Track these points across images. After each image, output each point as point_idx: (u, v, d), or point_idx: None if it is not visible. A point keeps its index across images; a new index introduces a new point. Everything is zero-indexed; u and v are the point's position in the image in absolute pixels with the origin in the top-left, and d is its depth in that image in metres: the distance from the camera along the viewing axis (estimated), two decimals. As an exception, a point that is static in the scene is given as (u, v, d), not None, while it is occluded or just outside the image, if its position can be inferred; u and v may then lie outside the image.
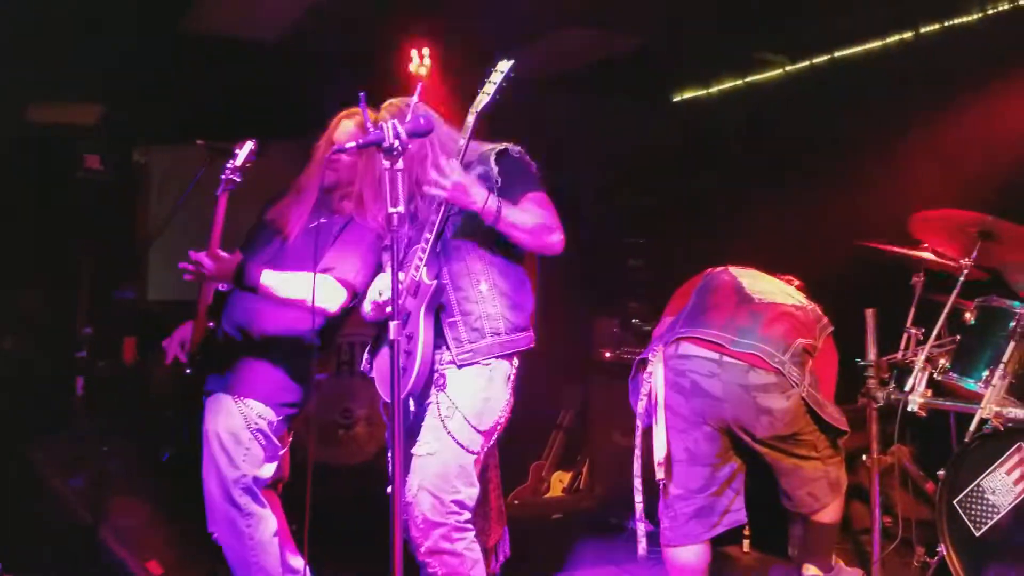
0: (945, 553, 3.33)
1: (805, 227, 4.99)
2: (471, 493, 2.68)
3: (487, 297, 2.72)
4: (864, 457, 3.70)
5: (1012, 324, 3.40)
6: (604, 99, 5.97)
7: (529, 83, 5.63)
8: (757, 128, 5.72)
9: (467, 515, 2.66)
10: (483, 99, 2.71)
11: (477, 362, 2.70)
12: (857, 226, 4.66)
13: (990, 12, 4.82)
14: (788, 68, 5.80)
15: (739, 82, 6.11)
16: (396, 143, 2.29)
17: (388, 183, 2.29)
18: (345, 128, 3.04)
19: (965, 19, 4.93)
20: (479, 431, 2.68)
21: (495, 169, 2.75)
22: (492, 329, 2.72)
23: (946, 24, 4.98)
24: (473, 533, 2.69)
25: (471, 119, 2.72)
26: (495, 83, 2.70)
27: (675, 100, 6.42)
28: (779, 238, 4.95)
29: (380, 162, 2.32)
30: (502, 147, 2.82)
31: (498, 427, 2.75)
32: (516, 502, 5.03)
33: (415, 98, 2.70)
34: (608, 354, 4.98)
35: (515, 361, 2.80)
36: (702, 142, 6.04)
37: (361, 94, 2.60)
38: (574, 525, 4.51)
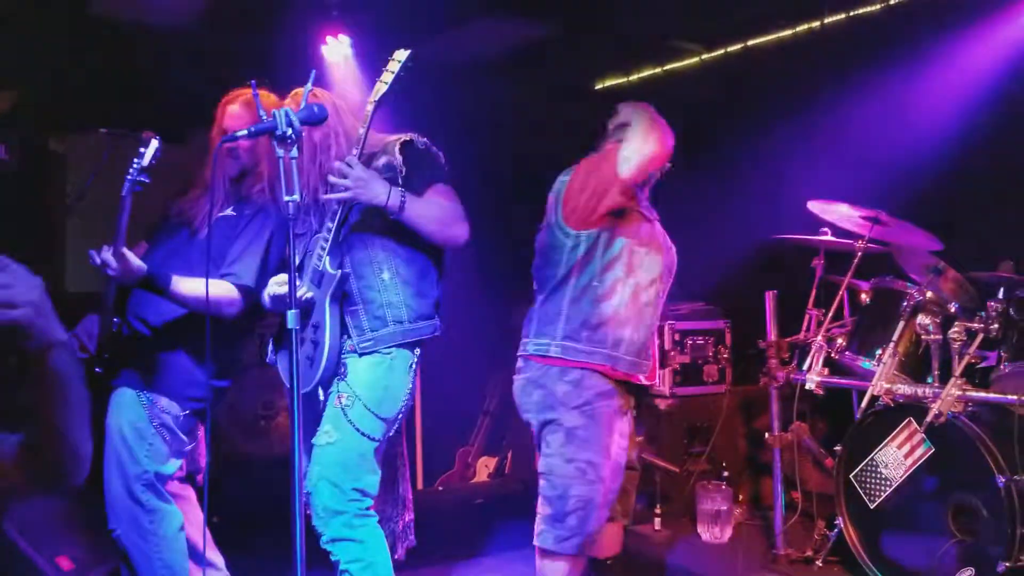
0: (843, 525, 3.48)
1: (716, 213, 5.11)
2: (372, 480, 2.70)
3: (390, 286, 2.74)
4: (767, 435, 3.82)
5: (904, 304, 3.54)
6: (526, 87, 6.00)
7: (450, 70, 5.68)
8: (673, 116, 5.81)
9: (368, 502, 2.69)
10: (381, 88, 2.72)
11: (378, 350, 2.72)
12: (765, 212, 4.80)
13: (892, 3, 4.97)
14: (704, 56, 5.90)
15: (658, 70, 6.21)
16: (289, 131, 2.30)
17: (283, 171, 2.29)
18: (232, 112, 3.00)
19: (869, 9, 5.08)
20: (380, 418, 2.70)
21: (399, 159, 2.77)
22: (394, 317, 2.74)
23: (851, 14, 5.12)
24: (376, 519, 2.71)
25: (370, 108, 2.72)
26: (393, 72, 2.72)
27: (596, 88, 6.49)
28: (691, 224, 5.05)
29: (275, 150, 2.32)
30: (407, 137, 2.82)
31: (401, 414, 2.78)
32: (441, 488, 5.07)
33: (309, 85, 2.70)
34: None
35: (417, 350, 2.82)
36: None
37: (252, 82, 2.59)
38: (499, 510, 4.57)
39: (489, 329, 5.10)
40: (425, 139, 2.86)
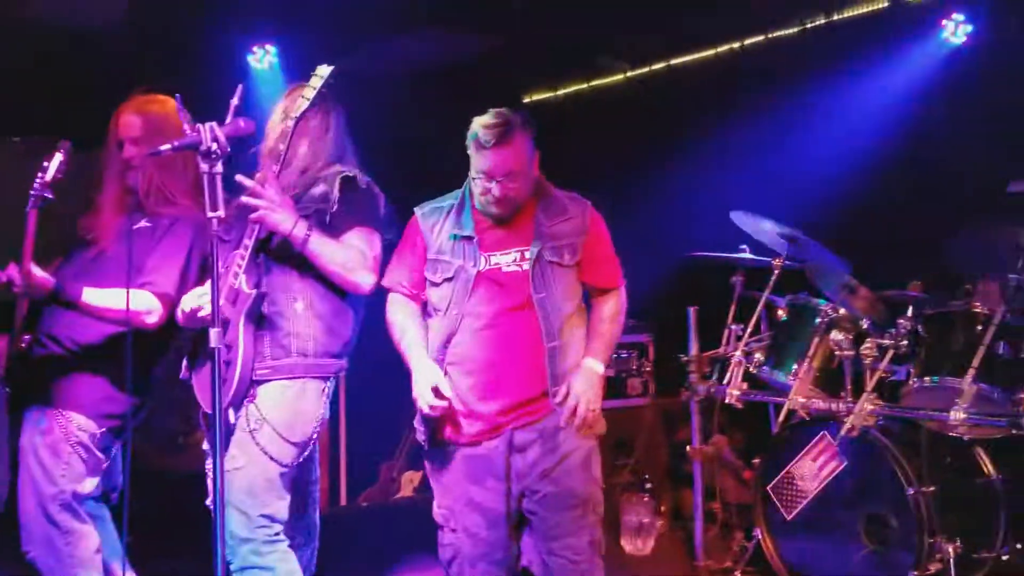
0: (760, 536, 3.57)
1: (640, 228, 5.19)
2: (281, 506, 2.64)
3: (301, 316, 2.67)
4: (688, 448, 3.90)
5: (818, 320, 3.66)
6: (452, 100, 6.01)
7: (378, 82, 5.65)
8: (599, 131, 5.90)
9: (277, 528, 2.63)
10: (302, 104, 2.68)
11: (275, 379, 2.65)
12: (687, 228, 4.90)
13: (808, 26, 5.15)
14: (629, 73, 6.01)
15: (584, 85, 6.29)
16: (214, 146, 2.26)
17: (207, 187, 2.25)
18: (128, 123, 2.94)
19: (787, 32, 5.25)
20: (290, 443, 2.64)
21: (336, 195, 2.71)
22: (299, 349, 2.67)
23: (770, 36, 5.29)
24: (286, 544, 2.66)
25: (290, 124, 2.68)
26: (315, 88, 2.68)
27: (525, 101, 6.54)
28: (615, 238, 5.12)
29: (199, 165, 2.27)
30: (350, 173, 2.75)
31: (312, 440, 2.73)
32: (365, 504, 5.01)
33: (236, 99, 2.65)
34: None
35: (330, 380, 2.75)
36: (549, 144, 6.17)
37: (177, 96, 2.54)
38: (424, 525, 4.53)
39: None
40: (368, 179, 2.82)
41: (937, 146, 4.50)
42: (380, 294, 2.91)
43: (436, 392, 2.62)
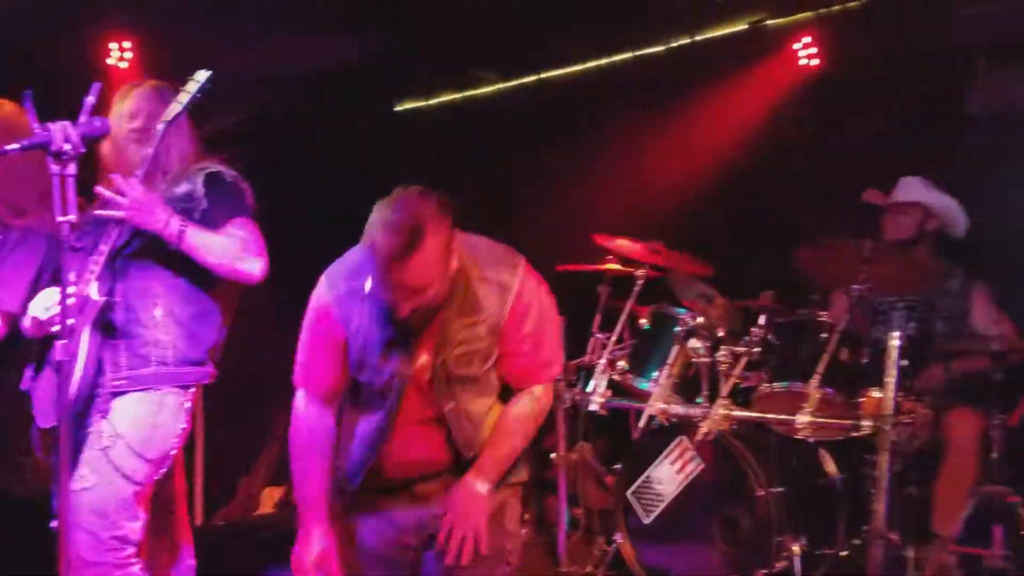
0: (620, 541, 3.66)
1: (509, 238, 5.24)
2: (134, 527, 2.54)
3: (160, 323, 2.58)
4: (552, 455, 3.96)
5: (677, 329, 3.78)
6: (324, 106, 5.93)
7: (245, 86, 5.52)
8: (471, 141, 5.95)
9: (130, 550, 2.52)
10: (175, 108, 2.59)
11: (133, 390, 2.56)
12: (556, 238, 4.99)
13: (674, 45, 5.33)
14: (501, 86, 6.08)
15: (457, 95, 6.32)
16: (67, 146, 2.16)
17: (58, 189, 2.14)
18: None
19: (653, 50, 5.43)
20: (146, 459, 2.55)
21: (202, 191, 2.64)
22: (158, 358, 2.58)
23: (636, 54, 5.45)
24: (138, 567, 2.55)
25: (160, 128, 2.60)
26: (190, 93, 2.60)
27: (397, 109, 6.51)
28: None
29: (50, 167, 2.16)
30: (215, 169, 2.69)
31: (170, 457, 2.64)
32: (222, 522, 4.86)
33: (91, 97, 2.54)
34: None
35: (190, 390, 2.67)
36: (422, 153, 6.18)
37: (26, 92, 2.42)
38: (285, 542, 4.42)
39: (279, 352, 4.98)
40: (234, 173, 2.75)
41: (789, 163, 4.75)
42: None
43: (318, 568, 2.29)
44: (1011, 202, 4.30)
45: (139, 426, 2.54)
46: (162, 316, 2.59)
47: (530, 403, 2.33)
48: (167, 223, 2.51)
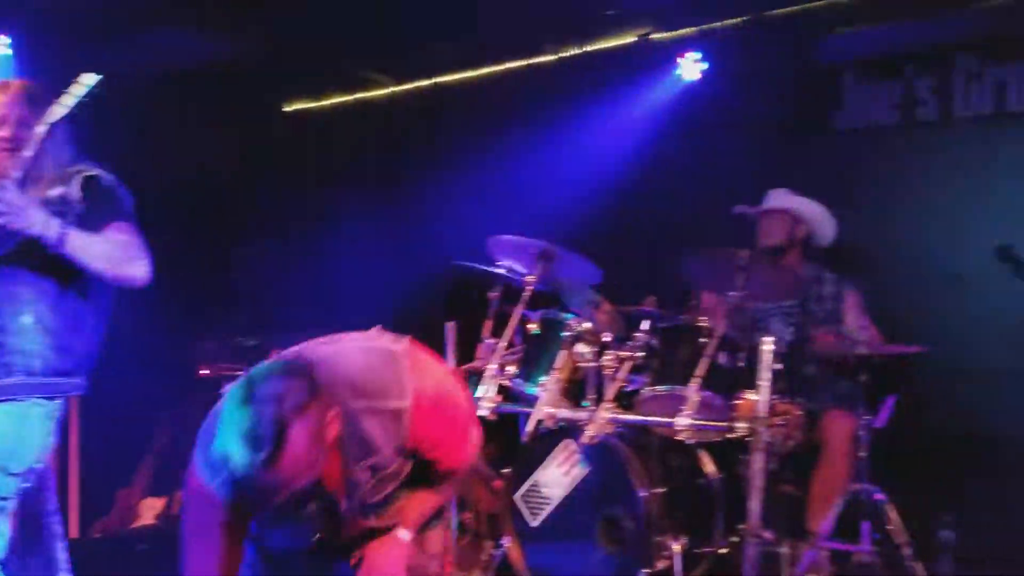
0: (507, 544, 3.69)
1: (402, 243, 5.25)
2: None
3: (28, 331, 2.47)
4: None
5: (565, 334, 3.84)
6: (208, 105, 5.79)
7: (125, 83, 5.33)
8: (363, 145, 5.91)
9: None
10: (58, 112, 2.48)
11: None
12: (449, 243, 5.00)
13: (565, 55, 5.43)
14: (394, 89, 6.06)
15: (349, 98, 6.27)
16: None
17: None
18: None
19: (545, 59, 5.51)
20: (10, 473, 2.44)
21: (78, 194, 2.53)
22: (25, 367, 2.47)
23: (529, 62, 5.52)
24: None
25: (41, 131, 2.49)
26: (76, 96, 2.50)
27: (286, 111, 6.42)
28: (377, 253, 5.15)
29: None
30: (92, 172, 2.59)
31: (37, 469, 2.53)
32: (99, 535, 4.68)
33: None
34: (206, 371, 4.84)
35: (59, 402, 2.56)
36: (312, 154, 6.11)
37: None
38: (166, 555, 4.29)
39: (160, 360, 4.85)
40: (113, 177, 2.65)
41: (673, 173, 4.89)
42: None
43: None
44: (874, 212, 4.56)
45: (3, 439, 2.43)
46: (31, 324, 2.48)
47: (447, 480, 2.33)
48: (46, 225, 2.41)
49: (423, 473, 2.26)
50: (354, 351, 2.18)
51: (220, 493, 2.04)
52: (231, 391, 1.92)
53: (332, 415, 1.99)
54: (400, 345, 2.21)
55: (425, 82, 5.93)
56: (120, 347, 2.82)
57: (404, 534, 2.25)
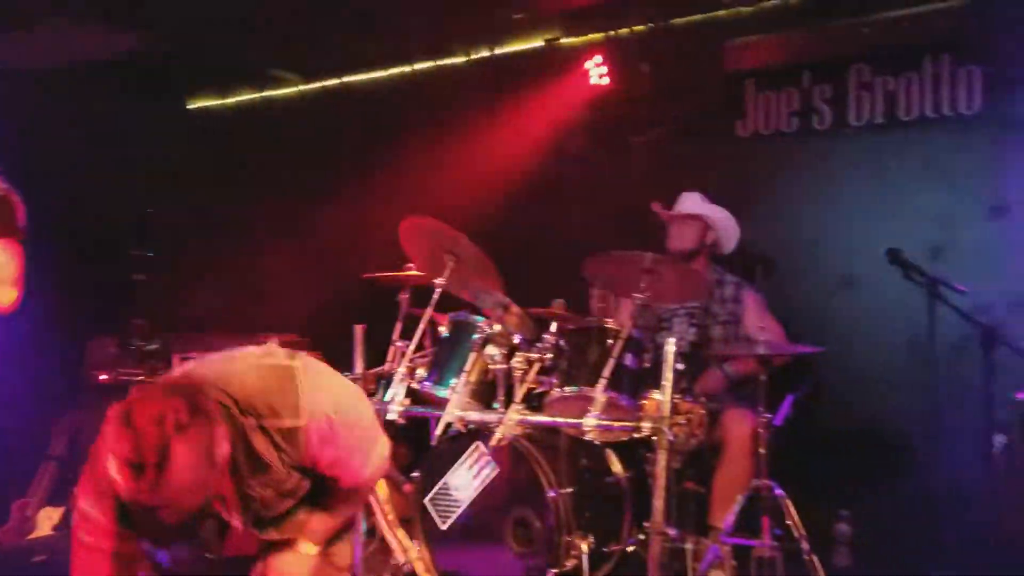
0: (418, 548, 3.68)
1: (310, 245, 5.17)
2: None
3: None
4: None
5: (475, 336, 3.85)
6: (106, 100, 5.60)
7: (20, 77, 5.12)
8: (271, 144, 5.81)
9: None
10: None
11: None
12: (356, 245, 4.96)
13: (474, 57, 5.44)
14: (302, 87, 5.97)
15: (256, 96, 6.15)
16: None
17: None
18: None
19: (454, 60, 5.51)
20: None
21: None
22: None
23: (438, 63, 5.51)
24: None
25: None
26: None
27: (190, 108, 6.25)
28: (286, 255, 5.06)
29: None
30: None
31: None
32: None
33: None
34: (104, 376, 4.68)
35: None
36: (217, 153, 5.96)
37: None
38: (64, 566, 4.13)
39: (57, 366, 4.67)
40: (7, 185, 2.53)
41: (580, 176, 4.96)
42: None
43: None
44: (774, 217, 4.71)
45: None
46: None
47: (348, 489, 2.28)
48: None
49: (324, 489, 2.23)
50: (247, 369, 2.13)
51: (107, 518, 1.99)
52: (111, 414, 1.86)
53: (220, 434, 1.94)
54: (296, 361, 2.17)
55: (333, 81, 5.86)
56: (14, 353, 2.72)
57: (309, 549, 2.22)
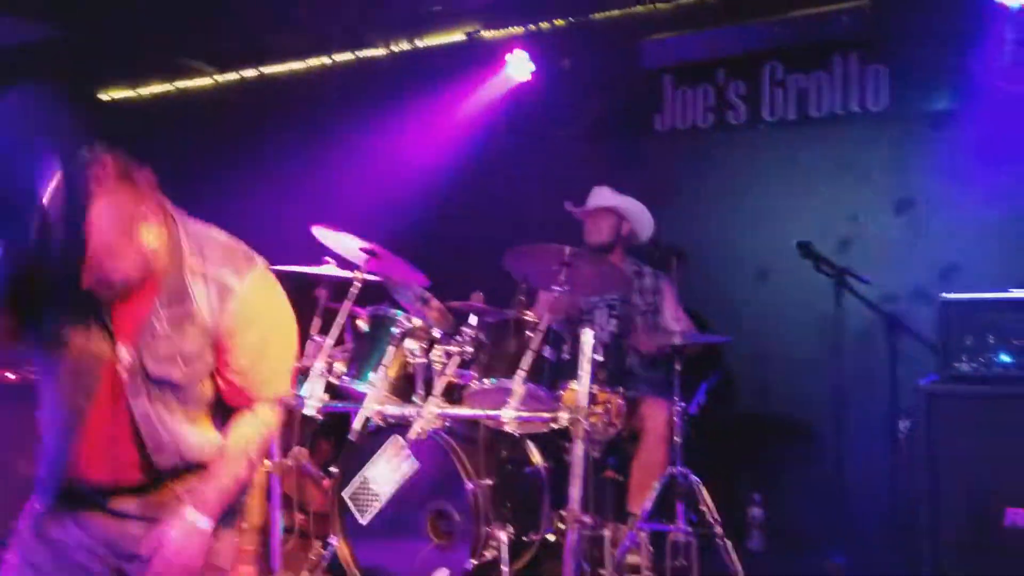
0: (336, 543, 3.66)
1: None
2: None
3: None
4: (266, 461, 3.87)
5: (395, 330, 3.83)
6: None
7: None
8: (185, 135, 5.68)
9: None
10: None
11: None
12: (273, 238, 4.87)
13: (396, 50, 5.40)
14: (218, 78, 5.86)
15: (169, 87, 6.01)
16: None
17: None
18: None
19: (375, 52, 5.47)
20: None
21: None
22: None
23: (358, 55, 5.47)
24: None
25: None
26: None
27: (101, 98, 6.08)
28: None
29: None
30: None
31: None
32: None
33: None
34: (11, 375, 4.51)
35: None
36: (129, 144, 5.80)
37: None
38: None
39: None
40: None
41: (500, 169, 4.97)
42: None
43: None
44: (690, 211, 4.80)
45: None
46: None
47: (253, 426, 2.10)
48: None
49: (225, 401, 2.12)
50: (219, 231, 2.11)
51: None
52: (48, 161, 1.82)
53: (154, 221, 1.93)
54: (262, 261, 2.13)
55: (251, 72, 5.76)
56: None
57: (203, 522, 2.05)
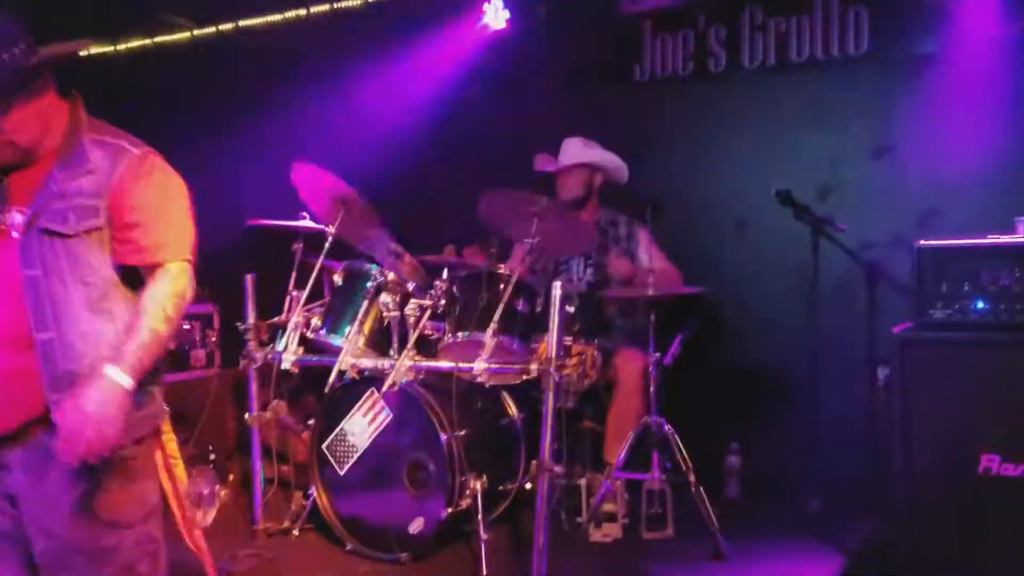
0: (315, 494, 3.71)
1: (205, 193, 5.04)
2: None
3: None
4: (246, 415, 3.90)
5: (369, 284, 3.84)
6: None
7: None
8: (165, 90, 5.62)
9: None
10: None
11: None
12: (253, 194, 4.87)
13: (370, 0, 5.32)
14: (195, 32, 5.79)
15: (147, 41, 5.94)
16: None
17: None
18: None
19: (350, 3, 5.39)
20: None
21: None
22: None
23: (335, 6, 5.39)
24: None
25: None
26: None
27: (79, 54, 6.01)
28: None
29: None
30: None
31: None
32: None
33: None
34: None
35: None
36: (108, 99, 5.75)
37: None
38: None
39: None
40: None
41: (478, 121, 4.93)
42: None
43: None
44: (669, 160, 4.76)
45: None
46: None
47: (167, 284, 2.06)
48: None
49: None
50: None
51: None
52: None
53: (61, 106, 2.10)
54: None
55: (227, 25, 5.69)
56: None
57: (120, 376, 1.95)
